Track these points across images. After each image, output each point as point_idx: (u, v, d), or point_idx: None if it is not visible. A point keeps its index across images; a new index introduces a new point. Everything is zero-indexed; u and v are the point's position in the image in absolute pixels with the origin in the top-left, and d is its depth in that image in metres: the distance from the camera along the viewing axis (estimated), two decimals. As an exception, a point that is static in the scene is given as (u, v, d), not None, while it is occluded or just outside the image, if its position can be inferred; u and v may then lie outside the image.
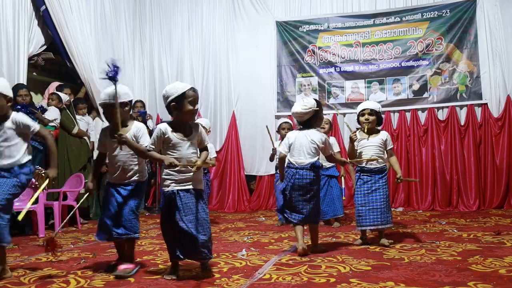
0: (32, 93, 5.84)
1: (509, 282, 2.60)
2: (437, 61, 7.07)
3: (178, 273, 2.95)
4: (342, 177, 5.42)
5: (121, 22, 7.85)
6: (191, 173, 2.89)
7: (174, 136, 2.94)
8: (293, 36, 7.67)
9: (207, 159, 3.08)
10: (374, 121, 4.00)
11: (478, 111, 6.91)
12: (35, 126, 3.17)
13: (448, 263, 3.11)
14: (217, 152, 6.81)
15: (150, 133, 7.42)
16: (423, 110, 7.13)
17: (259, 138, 7.57)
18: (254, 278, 2.86)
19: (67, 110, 6.00)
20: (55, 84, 6.37)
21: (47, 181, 3.08)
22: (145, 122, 7.39)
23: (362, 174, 4.02)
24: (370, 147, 3.97)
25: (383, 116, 4.04)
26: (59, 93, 5.92)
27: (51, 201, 5.42)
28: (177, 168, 2.87)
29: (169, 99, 2.95)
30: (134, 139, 3.12)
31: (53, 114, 5.70)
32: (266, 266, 3.18)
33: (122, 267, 3.04)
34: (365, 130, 3.99)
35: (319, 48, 7.57)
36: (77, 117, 6.24)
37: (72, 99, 6.32)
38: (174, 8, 8.23)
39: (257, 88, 7.73)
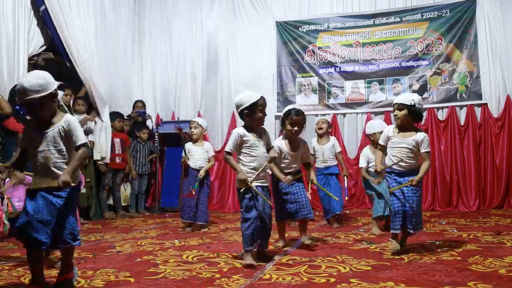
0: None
1: (509, 282, 2.60)
2: (437, 61, 7.07)
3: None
4: (345, 177, 5.38)
5: (121, 21, 7.85)
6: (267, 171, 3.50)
7: (252, 138, 3.42)
8: (293, 36, 7.67)
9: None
10: (404, 117, 3.53)
11: (478, 111, 6.91)
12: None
13: (448, 263, 3.12)
14: (217, 152, 6.81)
15: (152, 133, 7.50)
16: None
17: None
18: (254, 278, 2.86)
19: (65, 107, 6.00)
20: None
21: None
22: (144, 122, 7.41)
23: (391, 175, 3.62)
24: (399, 149, 3.54)
25: (419, 110, 3.52)
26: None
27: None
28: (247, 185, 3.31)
29: (242, 107, 3.42)
30: (63, 134, 2.60)
31: None
32: (266, 266, 3.18)
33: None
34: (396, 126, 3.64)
35: (319, 48, 7.57)
36: (76, 116, 6.23)
37: (72, 100, 6.32)
38: (174, 8, 8.23)
39: (257, 88, 7.61)
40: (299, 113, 3.92)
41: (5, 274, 3.11)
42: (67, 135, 2.62)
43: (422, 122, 6.97)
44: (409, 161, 3.53)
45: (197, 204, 5.08)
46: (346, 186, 5.21)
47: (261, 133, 3.50)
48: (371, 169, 4.72)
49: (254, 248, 3.32)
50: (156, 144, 7.51)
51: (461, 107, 6.99)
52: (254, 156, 3.40)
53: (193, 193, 4.96)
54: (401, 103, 3.53)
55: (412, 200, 3.50)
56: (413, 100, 3.48)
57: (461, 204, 6.74)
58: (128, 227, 5.57)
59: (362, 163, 4.89)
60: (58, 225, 2.54)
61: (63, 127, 2.62)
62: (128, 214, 6.79)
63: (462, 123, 6.94)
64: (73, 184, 2.56)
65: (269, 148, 3.54)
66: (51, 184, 2.54)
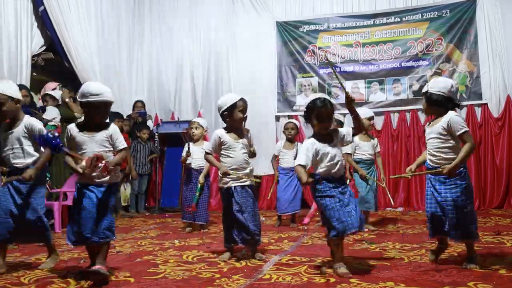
0: (32, 94, 5.84)
1: (509, 282, 2.60)
2: (437, 61, 7.07)
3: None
4: (348, 180, 5.29)
5: (120, 22, 7.85)
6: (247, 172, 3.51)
7: (230, 139, 3.49)
8: (293, 36, 7.67)
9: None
10: (425, 108, 3.14)
11: (478, 111, 6.91)
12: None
13: (448, 263, 3.11)
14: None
15: (152, 133, 7.50)
16: (423, 110, 7.11)
17: (260, 138, 7.56)
18: (254, 278, 2.86)
19: (66, 104, 6.02)
20: (51, 85, 6.36)
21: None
22: (145, 122, 7.40)
23: (430, 178, 3.10)
24: (430, 141, 3.01)
25: (438, 96, 2.97)
26: (50, 92, 5.93)
27: (51, 202, 5.41)
28: (230, 175, 3.46)
29: (222, 109, 3.50)
30: (27, 135, 3.22)
31: (51, 113, 5.70)
32: (266, 266, 3.18)
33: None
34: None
35: (319, 48, 7.57)
36: (77, 115, 6.21)
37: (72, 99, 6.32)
38: (174, 8, 8.23)
39: (257, 88, 7.72)
40: (325, 102, 3.03)
41: (5, 275, 3.10)
42: None
43: (422, 122, 6.95)
44: (439, 154, 2.96)
45: (197, 204, 5.08)
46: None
47: (242, 135, 3.57)
48: (359, 156, 5.01)
49: (231, 246, 3.54)
50: (156, 144, 7.51)
51: (461, 107, 6.97)
52: (232, 158, 3.51)
53: (194, 207, 4.95)
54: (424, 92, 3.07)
55: (448, 201, 2.91)
56: (427, 86, 3.05)
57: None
58: (128, 227, 5.57)
59: (348, 150, 4.90)
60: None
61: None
62: (128, 214, 6.79)
63: (462, 123, 6.92)
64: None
65: (252, 149, 3.65)
66: None
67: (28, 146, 3.23)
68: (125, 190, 7.00)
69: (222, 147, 3.53)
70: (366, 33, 7.41)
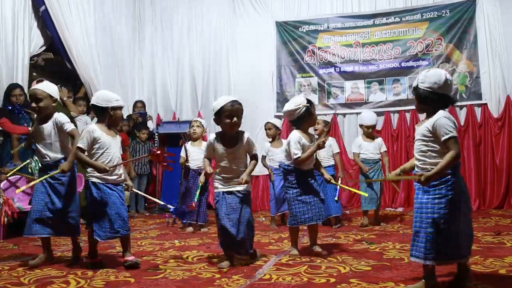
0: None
1: (510, 282, 2.60)
2: (436, 62, 7.07)
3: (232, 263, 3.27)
4: (339, 178, 5.29)
5: (121, 22, 7.85)
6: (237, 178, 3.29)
7: (220, 147, 3.30)
8: (293, 36, 7.67)
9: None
10: (416, 105, 2.77)
11: (478, 111, 6.91)
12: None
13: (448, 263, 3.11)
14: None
15: (151, 134, 7.48)
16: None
17: (259, 139, 7.57)
18: (254, 278, 2.86)
19: (60, 104, 6.02)
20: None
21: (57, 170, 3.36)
22: (145, 123, 7.39)
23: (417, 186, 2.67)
24: (416, 142, 2.65)
25: (424, 91, 2.58)
26: None
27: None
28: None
29: (213, 112, 3.32)
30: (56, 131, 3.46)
31: None
32: (266, 267, 3.18)
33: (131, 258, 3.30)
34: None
35: (319, 48, 7.57)
36: (74, 115, 6.19)
37: (72, 99, 6.32)
38: (174, 8, 8.23)
39: (257, 88, 7.72)
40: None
41: (5, 275, 3.11)
42: None
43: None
44: (423, 158, 2.57)
45: (197, 203, 5.08)
46: (338, 188, 5.12)
47: (237, 142, 3.30)
48: (362, 156, 5.30)
49: (226, 252, 3.32)
50: (156, 145, 7.50)
51: (461, 107, 6.99)
52: (221, 167, 3.32)
53: (194, 205, 4.93)
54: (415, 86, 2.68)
55: (429, 214, 2.51)
56: (417, 80, 2.64)
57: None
58: (128, 228, 5.56)
59: (355, 149, 5.38)
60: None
61: None
62: (128, 214, 6.77)
63: (462, 123, 6.93)
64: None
65: (252, 155, 3.40)
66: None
67: (55, 141, 3.44)
68: (125, 190, 6.98)
69: (215, 154, 3.35)
70: (366, 33, 7.41)
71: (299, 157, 3.51)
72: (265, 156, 5.51)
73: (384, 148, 5.36)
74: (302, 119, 3.59)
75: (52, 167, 3.42)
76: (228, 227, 3.22)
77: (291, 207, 3.65)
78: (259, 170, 7.59)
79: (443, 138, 2.47)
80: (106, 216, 3.24)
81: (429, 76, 2.58)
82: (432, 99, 2.58)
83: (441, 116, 2.53)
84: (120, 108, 3.48)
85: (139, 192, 3.60)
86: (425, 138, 2.55)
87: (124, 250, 3.38)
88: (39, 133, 3.45)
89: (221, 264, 3.22)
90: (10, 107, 5.14)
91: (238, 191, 3.31)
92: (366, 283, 2.66)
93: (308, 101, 3.61)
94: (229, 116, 3.25)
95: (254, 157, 3.43)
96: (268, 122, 5.61)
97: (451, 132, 2.47)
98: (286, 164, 3.70)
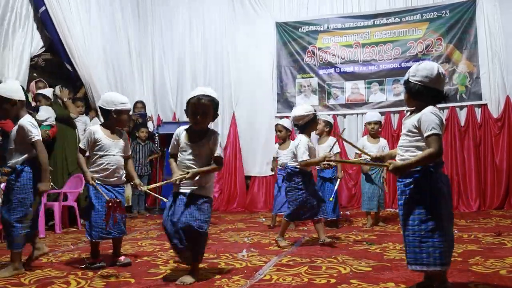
0: (30, 94, 5.81)
1: (510, 283, 2.60)
2: (436, 62, 7.03)
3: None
4: (338, 179, 5.28)
5: (122, 22, 7.84)
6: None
7: (183, 140, 2.98)
8: (293, 37, 7.67)
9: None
10: (405, 99, 2.59)
11: (478, 111, 6.91)
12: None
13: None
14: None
15: (151, 134, 7.47)
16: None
17: (259, 139, 7.58)
18: (255, 279, 2.86)
19: (59, 102, 6.02)
20: (37, 84, 6.16)
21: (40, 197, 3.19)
22: (145, 124, 7.39)
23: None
24: (401, 136, 2.56)
25: (415, 84, 2.44)
26: (43, 92, 5.78)
27: (51, 202, 5.41)
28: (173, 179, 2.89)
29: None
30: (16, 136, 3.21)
31: (45, 113, 5.56)
32: (267, 267, 3.18)
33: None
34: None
35: (319, 49, 7.57)
36: (73, 116, 6.19)
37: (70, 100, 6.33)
38: (175, 9, 8.24)
39: (257, 89, 7.73)
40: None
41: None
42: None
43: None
44: (404, 153, 2.46)
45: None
46: (335, 189, 5.12)
47: (202, 138, 2.96)
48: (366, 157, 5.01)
49: (180, 258, 3.01)
50: (156, 145, 7.50)
51: (461, 107, 6.99)
52: (180, 161, 2.97)
53: None
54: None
55: (402, 218, 2.44)
56: (408, 73, 2.50)
57: (461, 204, 6.74)
58: (128, 228, 5.56)
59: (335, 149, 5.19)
60: None
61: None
62: (132, 214, 6.78)
63: (462, 123, 6.94)
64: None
65: (215, 157, 2.94)
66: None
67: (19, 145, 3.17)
68: (125, 191, 6.98)
69: (179, 147, 3.01)
70: (366, 33, 7.41)
71: (305, 160, 3.89)
72: (276, 158, 5.43)
73: (387, 150, 5.02)
74: (308, 125, 3.99)
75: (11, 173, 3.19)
76: (169, 229, 2.86)
77: (293, 206, 4.00)
78: (258, 171, 7.65)
79: (425, 134, 2.34)
80: (101, 216, 3.23)
81: (420, 69, 2.44)
82: (423, 94, 2.43)
83: (428, 112, 2.38)
84: (126, 111, 3.44)
85: (148, 190, 3.21)
86: (410, 134, 2.44)
87: (114, 251, 3.42)
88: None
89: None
90: None
91: (190, 193, 2.90)
92: (366, 284, 2.66)
93: (314, 109, 4.05)
94: (193, 113, 2.92)
95: (217, 160, 2.94)
96: (278, 124, 5.47)
97: (434, 129, 2.32)
98: (293, 166, 4.09)
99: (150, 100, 8.16)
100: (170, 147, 3.07)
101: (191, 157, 2.92)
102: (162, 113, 8.14)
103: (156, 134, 7.69)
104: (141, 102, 7.70)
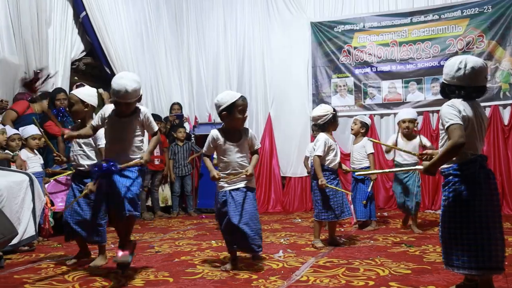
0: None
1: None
2: (478, 59, 6.83)
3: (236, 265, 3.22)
4: (372, 181, 5.11)
5: (159, 25, 8.01)
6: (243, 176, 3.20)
7: (223, 142, 3.23)
8: (328, 36, 7.60)
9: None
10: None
11: (523, 110, 6.65)
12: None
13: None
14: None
15: (188, 135, 7.57)
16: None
17: (295, 140, 7.55)
18: (291, 280, 2.85)
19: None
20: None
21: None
22: (182, 125, 7.50)
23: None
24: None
25: (448, 84, 2.43)
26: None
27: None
28: (225, 179, 3.21)
29: (221, 108, 3.21)
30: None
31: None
32: (303, 268, 3.17)
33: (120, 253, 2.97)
34: None
35: (355, 48, 7.47)
36: None
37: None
38: (210, 11, 8.32)
39: (292, 90, 7.70)
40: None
41: (50, 272, 3.22)
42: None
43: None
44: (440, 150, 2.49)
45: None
46: (369, 190, 5.03)
47: (241, 136, 3.26)
48: (397, 160, 4.88)
49: (231, 252, 3.25)
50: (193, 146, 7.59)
51: (504, 106, 6.74)
52: (226, 162, 3.24)
53: None
54: None
55: (441, 220, 2.45)
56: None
57: (505, 206, 6.48)
58: (166, 228, 5.67)
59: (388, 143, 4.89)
60: None
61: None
62: (171, 215, 6.91)
63: (506, 122, 6.69)
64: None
65: (253, 151, 3.33)
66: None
67: (89, 150, 3.47)
68: (163, 191, 7.12)
69: (218, 150, 3.28)
70: (403, 31, 7.26)
71: (319, 156, 4.01)
72: (308, 157, 5.36)
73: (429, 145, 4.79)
74: (328, 124, 4.10)
75: (85, 174, 3.42)
76: (236, 222, 3.09)
77: (320, 205, 4.04)
78: (294, 171, 7.62)
79: (445, 127, 2.33)
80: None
81: (445, 66, 2.42)
82: (444, 91, 2.45)
83: (444, 105, 2.37)
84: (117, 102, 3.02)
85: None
86: (442, 132, 2.42)
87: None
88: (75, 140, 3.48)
89: (225, 266, 3.20)
90: (55, 111, 5.32)
91: (244, 187, 3.21)
92: (406, 287, 2.60)
93: (334, 109, 4.17)
94: (242, 111, 3.22)
95: (256, 152, 3.37)
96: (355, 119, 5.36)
97: (450, 120, 2.29)
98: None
99: (186, 101, 8.27)
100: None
101: (239, 154, 3.24)
102: (198, 114, 8.24)
103: (193, 135, 7.79)
104: (178, 103, 7.82)
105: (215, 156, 5.20)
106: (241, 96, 3.24)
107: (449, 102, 2.37)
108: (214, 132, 3.27)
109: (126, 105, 2.98)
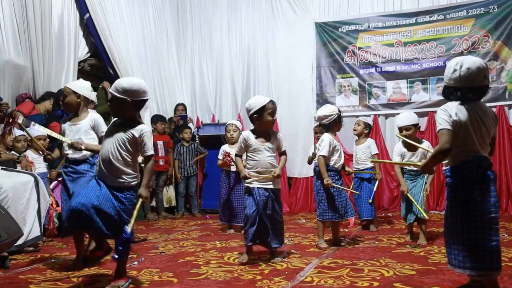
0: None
1: None
2: (483, 59, 6.79)
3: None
4: (377, 181, 5.12)
5: (163, 26, 8.02)
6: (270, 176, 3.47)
7: (255, 143, 3.50)
8: (333, 37, 7.59)
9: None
10: None
11: (528, 110, 6.61)
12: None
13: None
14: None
15: (193, 136, 7.56)
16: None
17: (299, 140, 7.54)
18: (296, 281, 2.85)
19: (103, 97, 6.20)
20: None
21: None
22: (186, 125, 7.52)
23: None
24: None
25: (446, 86, 2.44)
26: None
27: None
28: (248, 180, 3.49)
29: (252, 111, 3.48)
30: (92, 130, 3.51)
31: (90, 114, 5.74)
32: (308, 269, 3.16)
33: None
34: None
35: (359, 48, 7.46)
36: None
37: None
38: (214, 12, 8.33)
39: (296, 90, 7.70)
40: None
41: (55, 273, 3.23)
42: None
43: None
44: None
45: (235, 205, 5.11)
46: (374, 190, 5.07)
47: (270, 138, 3.56)
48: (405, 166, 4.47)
49: (251, 244, 3.49)
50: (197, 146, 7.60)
51: (510, 106, 6.70)
52: (256, 161, 3.52)
53: None
54: None
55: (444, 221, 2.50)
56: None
57: (511, 207, 6.45)
58: (170, 228, 5.67)
59: (396, 159, 4.33)
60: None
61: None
62: (175, 216, 6.92)
63: (511, 123, 6.65)
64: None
65: (281, 152, 3.65)
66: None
67: (88, 139, 3.44)
68: (167, 192, 7.13)
69: (248, 149, 3.55)
70: (408, 32, 7.24)
71: (323, 156, 4.00)
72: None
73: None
74: (332, 124, 4.12)
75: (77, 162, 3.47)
76: (255, 215, 3.42)
77: (324, 205, 4.03)
78: (299, 172, 7.62)
79: (436, 132, 2.37)
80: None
81: (446, 68, 2.43)
82: (444, 93, 2.44)
83: (438, 110, 2.40)
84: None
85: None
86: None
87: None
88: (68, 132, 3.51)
89: (240, 259, 3.47)
90: (60, 111, 5.34)
91: (271, 189, 3.50)
92: (411, 288, 2.59)
93: (339, 110, 4.24)
94: (272, 114, 3.49)
95: (284, 153, 3.67)
96: (316, 126, 5.37)
97: (440, 124, 2.32)
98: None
99: (189, 102, 8.28)
100: (238, 149, 3.62)
101: (268, 153, 3.50)
102: (201, 115, 8.24)
103: (197, 136, 7.80)
104: (182, 104, 7.83)
105: (219, 157, 5.24)
106: (270, 100, 3.51)
107: (443, 106, 2.38)
108: (246, 133, 3.56)
109: (117, 100, 2.74)
